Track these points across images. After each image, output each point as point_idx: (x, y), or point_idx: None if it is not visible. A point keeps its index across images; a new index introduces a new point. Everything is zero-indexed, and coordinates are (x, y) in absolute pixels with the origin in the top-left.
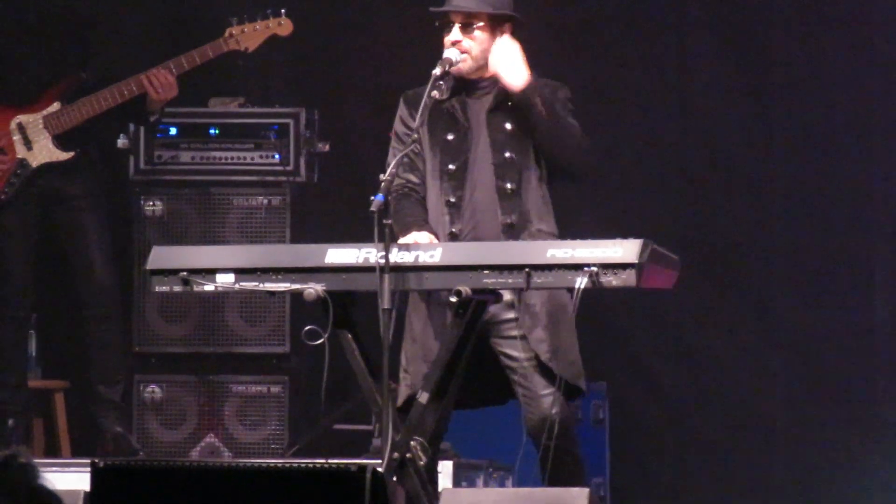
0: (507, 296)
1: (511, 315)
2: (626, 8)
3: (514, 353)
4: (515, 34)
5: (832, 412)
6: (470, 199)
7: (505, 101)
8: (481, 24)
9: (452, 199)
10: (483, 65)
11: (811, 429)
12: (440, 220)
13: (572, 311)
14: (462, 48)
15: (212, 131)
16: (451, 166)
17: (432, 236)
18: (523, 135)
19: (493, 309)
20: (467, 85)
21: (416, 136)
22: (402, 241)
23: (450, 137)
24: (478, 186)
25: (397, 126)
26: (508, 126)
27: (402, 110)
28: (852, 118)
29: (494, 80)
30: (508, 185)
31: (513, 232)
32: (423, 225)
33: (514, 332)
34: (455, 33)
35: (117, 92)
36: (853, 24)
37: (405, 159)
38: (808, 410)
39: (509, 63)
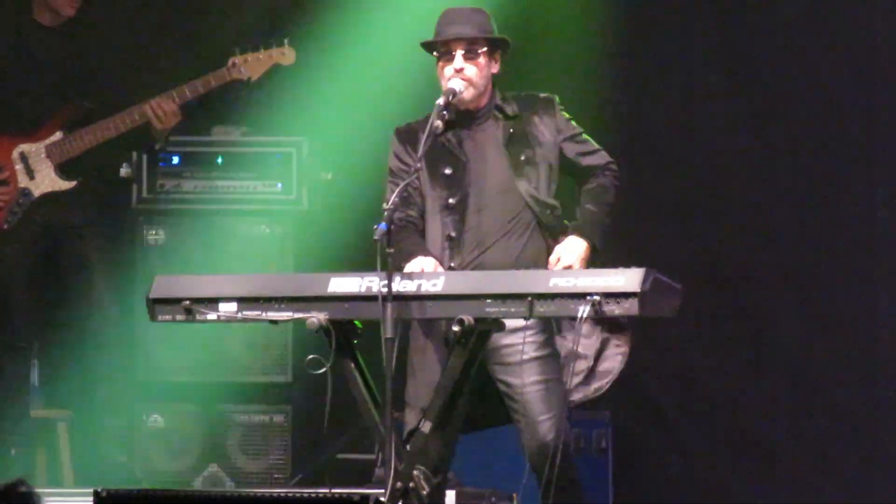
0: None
1: (508, 341)
2: (631, 39)
3: (512, 380)
4: (503, 56)
5: (835, 437)
6: (476, 230)
7: (511, 130)
8: (483, 49)
9: (453, 234)
10: (483, 92)
11: (814, 455)
12: (440, 255)
13: (575, 341)
14: (465, 76)
15: (215, 160)
16: (451, 200)
17: (436, 262)
18: (535, 162)
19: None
20: (462, 117)
21: (419, 165)
22: (407, 267)
23: (448, 172)
24: (479, 222)
25: (392, 162)
26: (523, 156)
27: (395, 146)
28: (854, 146)
29: (489, 110)
30: (511, 220)
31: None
32: (427, 251)
33: (512, 359)
34: (458, 61)
35: (120, 122)
36: (855, 54)
37: (403, 194)
38: (811, 437)
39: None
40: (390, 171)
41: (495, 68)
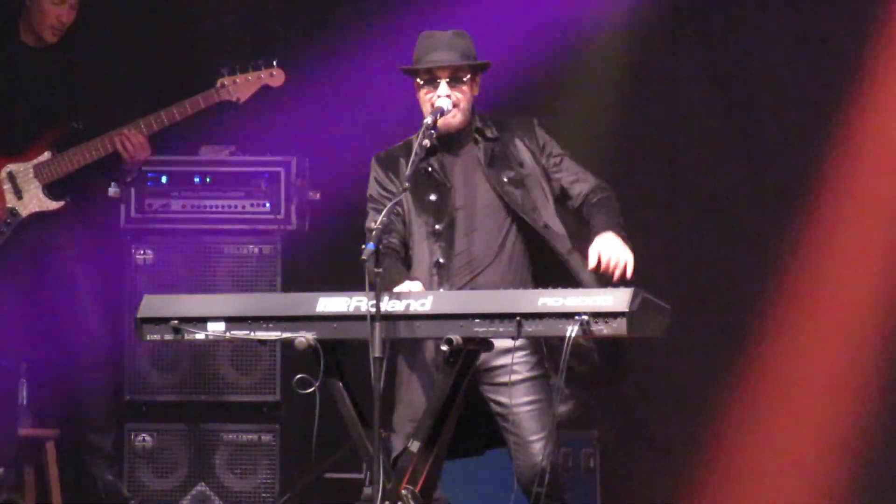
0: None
1: (500, 362)
2: (617, 59)
3: (504, 400)
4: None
5: (824, 459)
6: (466, 254)
7: (493, 152)
8: (467, 76)
9: (442, 260)
10: (468, 115)
11: (803, 476)
12: (428, 280)
13: (563, 361)
14: (452, 102)
15: (203, 179)
16: (437, 226)
17: (422, 285)
18: (519, 183)
19: (482, 356)
20: (443, 142)
21: (408, 184)
22: (396, 288)
23: (433, 198)
24: (481, 242)
25: (372, 189)
26: (506, 178)
27: (375, 172)
28: (843, 165)
29: (468, 133)
30: (498, 248)
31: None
32: (412, 276)
33: (504, 379)
34: (443, 88)
35: (108, 142)
36: (843, 72)
37: (384, 220)
38: (800, 458)
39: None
40: (370, 198)
41: (476, 91)
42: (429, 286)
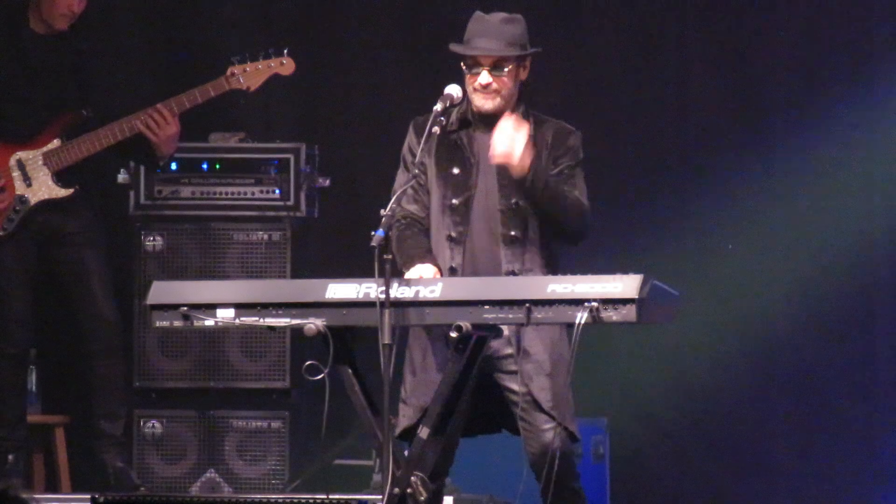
0: (506, 331)
1: (511, 350)
2: (627, 45)
3: (517, 388)
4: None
5: (832, 447)
6: (471, 237)
7: None
8: (511, 66)
9: (454, 234)
10: (509, 100)
11: (811, 464)
12: (441, 253)
13: (572, 348)
14: (492, 89)
15: (212, 166)
16: (454, 201)
17: (436, 269)
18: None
19: (494, 344)
20: (478, 119)
21: (416, 171)
22: (407, 275)
23: (455, 171)
24: (481, 228)
25: (405, 152)
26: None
27: (410, 137)
28: (853, 151)
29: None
30: (513, 233)
31: (509, 268)
32: (427, 257)
33: (515, 367)
34: (484, 76)
35: (118, 129)
36: (853, 54)
37: (409, 192)
38: (807, 445)
39: (513, 149)
40: (402, 160)
41: (523, 75)
42: (441, 259)
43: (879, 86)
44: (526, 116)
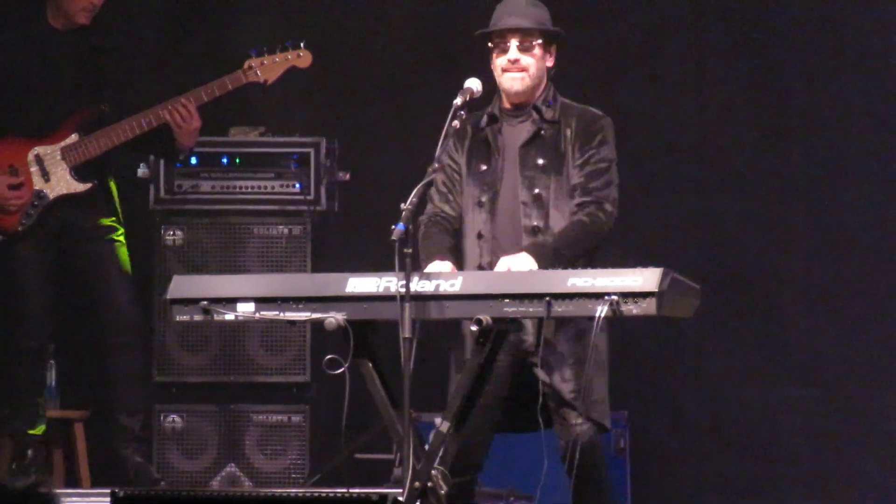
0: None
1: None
2: (646, 38)
3: (543, 378)
4: (559, 50)
5: (853, 439)
6: (498, 232)
7: (539, 133)
8: (538, 42)
9: (483, 232)
10: (537, 85)
11: (830, 454)
12: (471, 251)
13: (592, 342)
14: (521, 66)
15: (232, 160)
16: (482, 198)
17: (452, 266)
18: (554, 170)
19: (530, 338)
20: (505, 112)
21: (436, 165)
22: (425, 270)
23: (483, 168)
24: (505, 222)
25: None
26: (540, 161)
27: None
28: (868, 145)
29: (534, 108)
30: (535, 223)
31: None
32: (445, 254)
33: (549, 358)
34: (513, 52)
35: (136, 124)
36: (870, 55)
37: (442, 189)
38: (827, 436)
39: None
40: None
41: (550, 62)
42: (471, 258)
43: None
44: (546, 106)
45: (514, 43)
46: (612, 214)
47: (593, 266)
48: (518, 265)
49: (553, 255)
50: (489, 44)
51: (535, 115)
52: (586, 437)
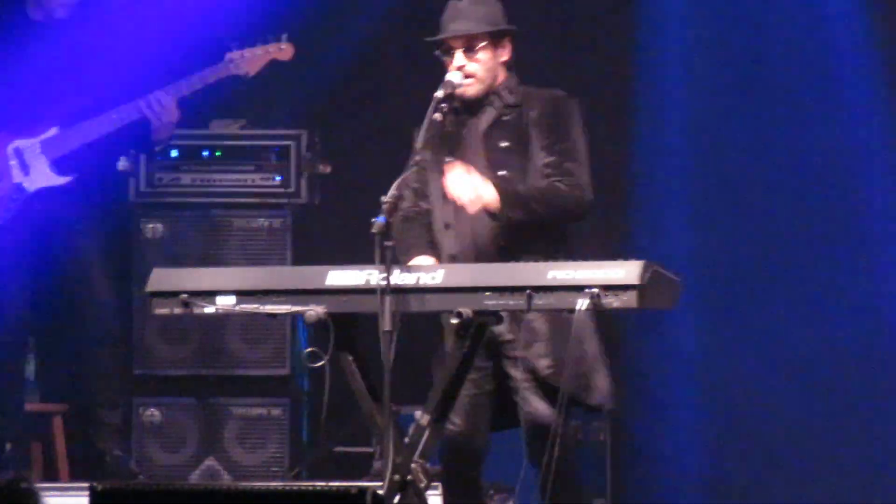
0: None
1: (511, 336)
2: (635, 25)
3: (514, 374)
4: (513, 43)
5: (835, 432)
6: (468, 222)
7: (500, 117)
8: (483, 44)
9: (451, 222)
10: (492, 81)
11: (815, 450)
12: (442, 242)
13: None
14: (467, 72)
15: (213, 153)
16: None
17: (434, 260)
18: (518, 153)
19: (498, 328)
20: (468, 104)
21: (417, 157)
22: (408, 264)
23: (448, 160)
24: (477, 211)
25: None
26: (504, 144)
27: (415, 133)
28: (859, 139)
29: (495, 96)
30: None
31: (508, 255)
32: (425, 248)
33: (514, 353)
34: (458, 58)
35: (116, 116)
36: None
37: (415, 185)
38: (811, 430)
39: (476, 191)
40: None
41: (505, 56)
42: (442, 248)
43: None
44: (506, 92)
45: (458, 50)
46: (585, 196)
47: (573, 259)
48: (483, 188)
49: (516, 200)
50: (436, 51)
51: (496, 101)
52: (548, 420)
